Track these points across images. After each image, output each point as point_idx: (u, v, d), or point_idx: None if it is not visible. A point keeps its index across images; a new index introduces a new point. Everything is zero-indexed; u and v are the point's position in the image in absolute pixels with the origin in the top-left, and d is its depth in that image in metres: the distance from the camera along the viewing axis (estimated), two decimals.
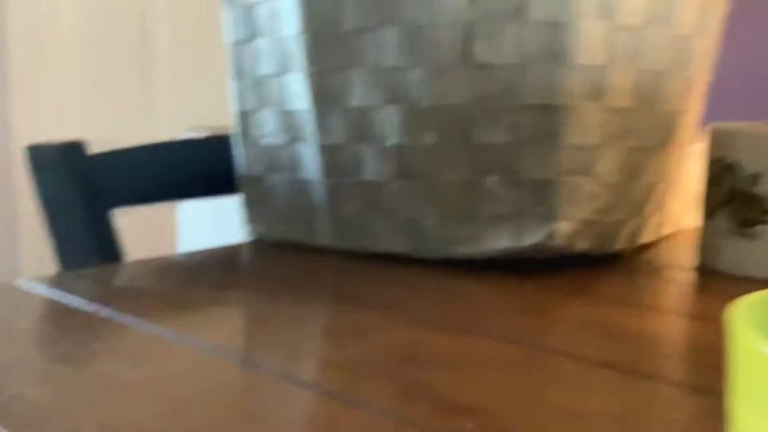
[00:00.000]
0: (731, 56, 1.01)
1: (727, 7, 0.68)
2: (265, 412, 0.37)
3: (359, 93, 0.62)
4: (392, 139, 0.62)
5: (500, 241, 0.61)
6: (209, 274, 0.62)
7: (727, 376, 0.18)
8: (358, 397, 0.38)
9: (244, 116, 0.71)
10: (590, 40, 0.57)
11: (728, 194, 0.60)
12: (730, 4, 0.68)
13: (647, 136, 0.62)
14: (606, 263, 0.65)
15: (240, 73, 0.70)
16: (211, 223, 1.99)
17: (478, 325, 0.49)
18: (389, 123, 0.61)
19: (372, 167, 0.63)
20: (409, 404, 0.37)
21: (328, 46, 0.62)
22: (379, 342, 0.46)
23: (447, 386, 0.40)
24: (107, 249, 0.73)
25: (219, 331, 0.48)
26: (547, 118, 0.58)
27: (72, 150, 0.74)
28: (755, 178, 0.58)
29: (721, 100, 1.00)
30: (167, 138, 1.68)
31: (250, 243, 0.73)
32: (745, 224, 0.59)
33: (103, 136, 2.09)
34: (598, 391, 0.39)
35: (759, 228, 0.59)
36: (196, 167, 0.81)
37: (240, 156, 0.73)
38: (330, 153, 0.65)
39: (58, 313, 0.51)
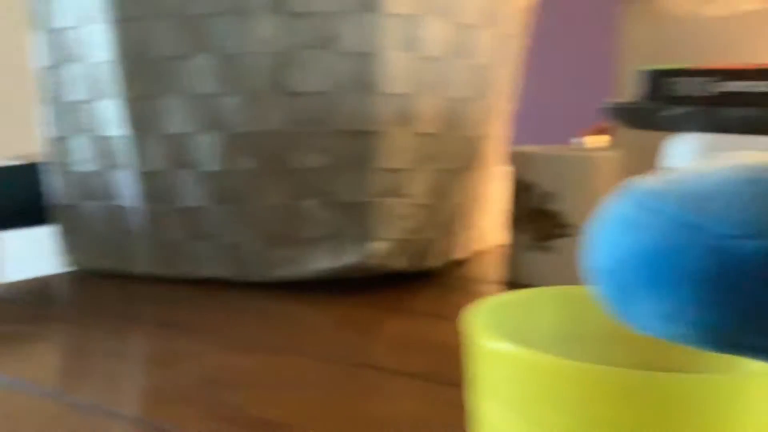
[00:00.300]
0: (533, 85, 1.09)
1: (525, 41, 0.74)
2: None
3: (176, 119, 0.62)
4: (211, 165, 0.62)
5: (319, 262, 0.63)
6: (24, 307, 0.60)
7: (468, 374, 0.20)
8: (166, 423, 0.38)
9: (56, 143, 0.69)
10: (397, 70, 0.60)
11: (528, 212, 0.65)
12: (529, 38, 0.74)
13: (453, 159, 0.67)
14: (421, 280, 0.69)
15: (50, 99, 0.68)
16: (35, 254, 1.88)
17: (295, 345, 0.51)
18: (207, 149, 0.62)
19: (192, 193, 0.64)
20: (217, 426, 0.38)
21: (143, 73, 0.62)
22: (193, 367, 0.47)
23: (256, 406, 0.41)
24: None
25: (30, 365, 0.47)
26: (359, 144, 0.60)
27: None
28: (549, 196, 0.64)
29: (527, 124, 1.08)
30: None
31: (67, 273, 0.71)
32: (543, 239, 0.65)
33: None
34: (401, 399, 0.42)
35: (554, 242, 0.64)
36: (4, 196, 0.77)
37: (52, 184, 0.70)
38: (149, 179, 0.65)
39: None
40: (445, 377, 0.45)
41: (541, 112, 1.23)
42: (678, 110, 0.35)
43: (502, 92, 0.71)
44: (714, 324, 0.11)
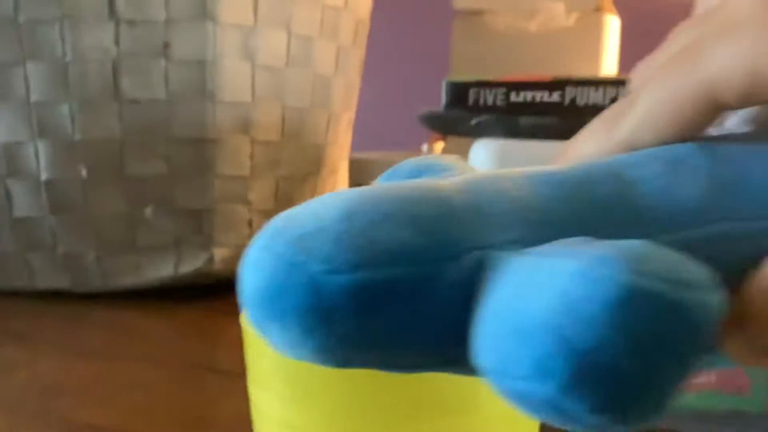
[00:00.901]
0: (377, 93, 1.13)
1: (364, 52, 0.77)
2: None
3: (6, 128, 0.60)
4: (44, 174, 0.61)
5: (161, 270, 0.63)
6: None
7: (246, 366, 0.22)
8: None
9: None
10: (234, 79, 0.61)
11: None
12: (368, 49, 0.77)
13: (296, 166, 0.68)
14: None
15: None
16: None
17: (134, 352, 0.51)
18: (39, 158, 0.61)
19: (25, 203, 0.62)
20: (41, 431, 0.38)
21: None
22: (26, 376, 0.46)
23: (86, 411, 0.41)
24: None
25: None
26: (198, 151, 0.61)
27: None
28: None
29: (373, 131, 1.12)
30: None
31: None
32: None
33: None
34: (237, 400, 0.43)
35: None
36: None
37: None
38: None
39: None
40: None
41: (385, 121, 1.28)
42: (477, 118, 0.38)
43: (343, 101, 0.74)
44: (324, 349, 0.13)
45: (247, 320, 0.21)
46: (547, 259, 0.12)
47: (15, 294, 0.65)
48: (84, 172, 0.61)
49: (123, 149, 0.60)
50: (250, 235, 0.65)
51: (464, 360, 0.13)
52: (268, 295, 0.13)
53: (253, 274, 0.13)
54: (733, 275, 0.14)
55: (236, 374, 0.47)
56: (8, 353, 0.50)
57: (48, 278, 0.64)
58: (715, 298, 0.12)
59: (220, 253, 0.63)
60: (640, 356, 0.11)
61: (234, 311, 0.61)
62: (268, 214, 0.67)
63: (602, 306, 0.11)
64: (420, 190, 0.14)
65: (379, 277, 0.12)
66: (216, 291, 0.67)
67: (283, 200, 0.68)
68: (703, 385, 0.35)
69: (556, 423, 0.12)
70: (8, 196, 0.62)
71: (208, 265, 0.63)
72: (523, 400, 0.12)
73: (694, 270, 0.12)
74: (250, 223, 0.65)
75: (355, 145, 0.77)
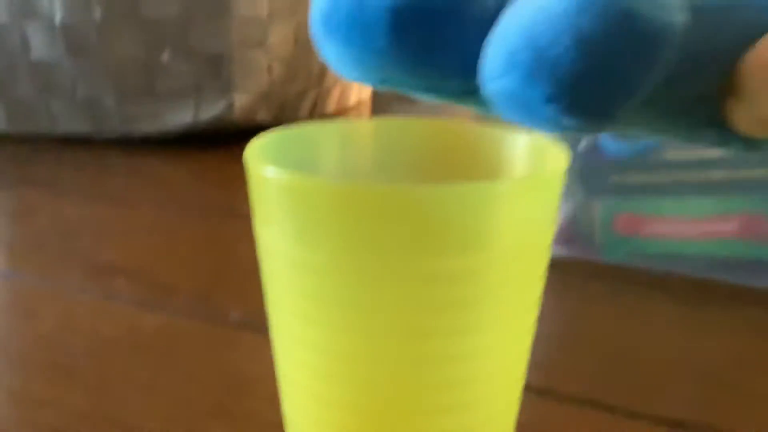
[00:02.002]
0: None
1: None
2: None
3: None
4: (59, 16, 0.59)
5: (181, 116, 0.62)
6: None
7: (252, 205, 0.21)
8: (15, 271, 0.39)
9: None
10: None
11: None
12: None
13: None
14: None
15: None
16: None
17: (152, 198, 0.51)
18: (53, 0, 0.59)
19: (40, 47, 0.61)
20: (66, 272, 0.39)
21: None
22: (45, 220, 0.47)
23: (106, 253, 0.41)
24: None
25: None
26: None
27: None
28: None
29: None
30: None
31: None
32: None
33: None
34: (250, 241, 0.43)
35: None
36: None
37: None
38: None
39: None
40: None
41: None
42: None
43: None
44: (362, 61, 0.15)
45: (250, 155, 0.20)
46: None
47: (36, 139, 0.66)
48: (99, 14, 0.59)
49: None
50: (270, 82, 0.64)
51: (477, 92, 0.15)
52: (325, 12, 0.15)
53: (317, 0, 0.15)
54: (736, 50, 0.15)
55: (250, 218, 0.47)
56: (31, 197, 0.51)
57: (68, 123, 0.63)
58: (668, 20, 0.13)
59: (239, 100, 0.62)
60: (589, 54, 0.12)
61: None
62: (287, 61, 0.65)
63: (563, 8, 0.12)
64: None
65: (415, 2, 0.14)
66: (235, 138, 0.66)
67: (303, 47, 0.66)
68: (726, 233, 0.35)
69: (524, 120, 0.14)
70: (24, 39, 0.61)
71: (227, 111, 0.62)
72: (499, 97, 0.14)
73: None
74: (269, 70, 0.64)
75: None
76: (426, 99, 0.16)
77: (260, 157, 0.21)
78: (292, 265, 0.20)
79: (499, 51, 0.13)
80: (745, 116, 0.15)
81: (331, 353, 0.20)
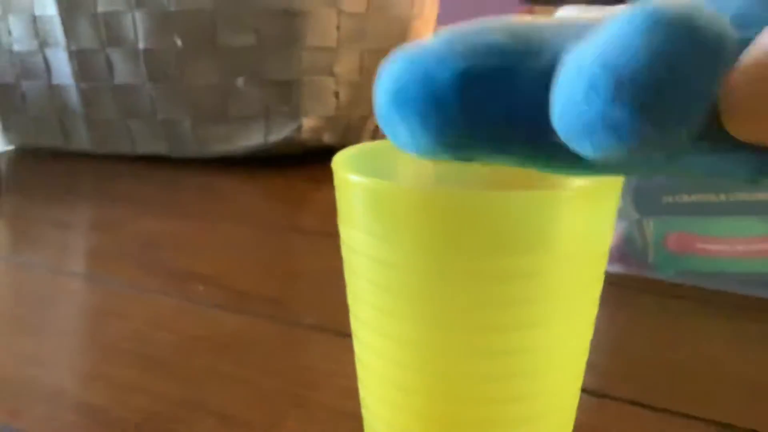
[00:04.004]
0: None
1: None
2: (21, 294, 0.40)
3: None
4: (141, 43, 0.64)
5: (251, 138, 0.66)
6: None
7: (338, 209, 0.24)
8: (107, 277, 0.42)
9: None
10: None
11: None
12: None
13: (381, 40, 0.69)
14: None
15: None
16: None
17: (226, 214, 0.54)
18: (136, 27, 0.63)
19: (124, 71, 0.65)
20: (151, 278, 0.42)
21: None
22: (131, 232, 0.50)
23: (186, 262, 0.45)
24: None
25: None
26: (287, 23, 0.62)
27: None
28: None
29: (455, 4, 1.10)
30: None
31: (8, 152, 0.73)
32: None
33: None
34: (318, 255, 0.46)
35: None
36: None
37: None
38: (80, 58, 0.66)
39: None
40: None
41: None
42: None
43: None
44: (438, 134, 0.16)
45: (337, 165, 0.23)
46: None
47: (118, 158, 0.70)
48: (179, 42, 0.63)
49: (215, 20, 0.62)
50: (337, 107, 0.67)
51: (558, 149, 0.16)
52: (394, 91, 0.16)
53: (382, 80, 0.16)
54: None
55: (321, 234, 0.50)
56: (114, 211, 0.55)
57: (147, 144, 0.68)
58: (727, 33, 0.14)
59: (307, 123, 0.66)
60: (664, 65, 0.13)
61: (319, 178, 0.64)
62: (354, 87, 0.68)
63: (631, 32, 0.13)
64: (513, 21, 0.16)
65: (478, 64, 0.15)
66: (302, 160, 0.70)
67: (368, 74, 0.69)
68: None
69: (612, 142, 0.14)
70: (109, 63, 0.65)
71: (295, 134, 0.65)
72: (583, 124, 0.14)
73: (717, 15, 0.14)
74: (336, 95, 0.67)
75: (441, 19, 0.76)
76: (503, 163, 0.17)
77: (346, 167, 0.24)
78: (374, 262, 0.22)
79: (577, 83, 0.14)
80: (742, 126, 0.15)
81: (407, 343, 0.22)
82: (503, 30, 0.16)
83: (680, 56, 0.13)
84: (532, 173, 0.28)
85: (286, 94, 0.65)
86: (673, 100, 0.14)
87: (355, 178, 0.22)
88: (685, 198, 0.37)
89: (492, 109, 0.15)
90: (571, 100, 0.14)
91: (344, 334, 0.35)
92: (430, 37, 0.17)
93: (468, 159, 0.16)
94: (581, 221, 0.21)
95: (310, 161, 0.69)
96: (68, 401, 0.29)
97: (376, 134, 0.74)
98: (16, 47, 0.69)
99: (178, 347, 0.34)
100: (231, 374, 0.31)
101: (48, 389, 0.30)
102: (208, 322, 0.36)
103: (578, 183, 0.26)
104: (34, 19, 0.67)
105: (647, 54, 0.13)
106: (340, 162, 0.23)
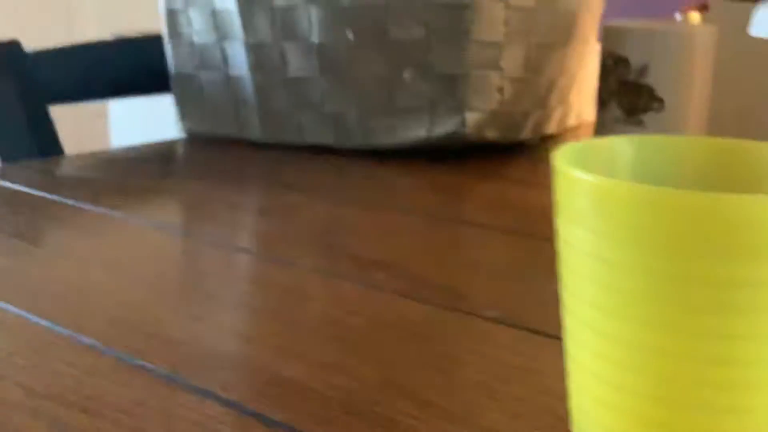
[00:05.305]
0: None
1: None
2: (209, 270, 0.42)
3: None
4: (314, 37, 0.66)
5: (416, 131, 0.67)
6: (146, 166, 0.66)
7: (556, 206, 0.24)
8: (289, 259, 0.44)
9: (172, 15, 0.74)
10: None
11: (619, 86, 0.67)
12: None
13: (548, 34, 0.68)
14: (513, 151, 0.72)
15: None
16: (141, 122, 1.99)
17: (393, 203, 0.56)
18: (311, 22, 0.65)
19: (297, 64, 0.68)
20: (332, 263, 0.44)
21: None
22: (305, 217, 0.52)
23: (363, 248, 0.46)
24: (46, 144, 0.76)
25: (160, 211, 0.53)
26: (456, 17, 0.63)
27: (10, 48, 0.76)
28: (642, 70, 0.65)
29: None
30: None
31: (183, 139, 0.77)
32: (633, 113, 0.66)
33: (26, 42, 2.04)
34: (490, 248, 0.46)
35: (644, 116, 0.66)
36: (130, 66, 0.84)
37: (171, 55, 0.76)
38: (256, 51, 0.69)
39: (6, 199, 0.55)
40: (533, 232, 0.49)
41: None
42: None
43: None
44: None
45: (560, 164, 0.23)
46: None
47: (286, 147, 0.73)
48: (351, 36, 0.65)
49: (387, 14, 0.63)
50: (500, 102, 0.67)
51: None
52: None
53: None
54: None
55: (491, 228, 0.50)
56: (287, 198, 0.57)
57: (315, 134, 0.70)
58: None
59: (471, 118, 0.66)
60: None
61: (484, 173, 0.64)
62: (518, 82, 0.68)
63: None
64: None
65: None
66: (462, 154, 0.70)
67: (533, 69, 0.69)
68: None
69: None
70: (283, 56, 0.68)
71: (459, 128, 0.66)
72: None
73: None
74: (500, 90, 0.67)
75: (608, 13, 0.74)
76: None
77: (569, 163, 0.24)
78: (597, 261, 0.22)
79: None
80: None
81: (629, 344, 0.22)
82: None
83: None
84: (748, 177, 0.27)
85: (452, 88, 0.65)
86: None
87: (581, 174, 0.22)
88: None
89: None
90: None
91: (529, 329, 0.35)
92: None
93: None
94: None
95: (471, 155, 0.70)
96: (268, 375, 0.31)
97: (536, 131, 0.73)
98: (196, 39, 0.73)
99: (370, 332, 0.35)
100: (423, 362, 0.32)
101: (251, 363, 0.32)
102: (393, 309, 0.37)
103: None
104: (214, 13, 0.71)
105: None
106: (561, 158, 0.24)
